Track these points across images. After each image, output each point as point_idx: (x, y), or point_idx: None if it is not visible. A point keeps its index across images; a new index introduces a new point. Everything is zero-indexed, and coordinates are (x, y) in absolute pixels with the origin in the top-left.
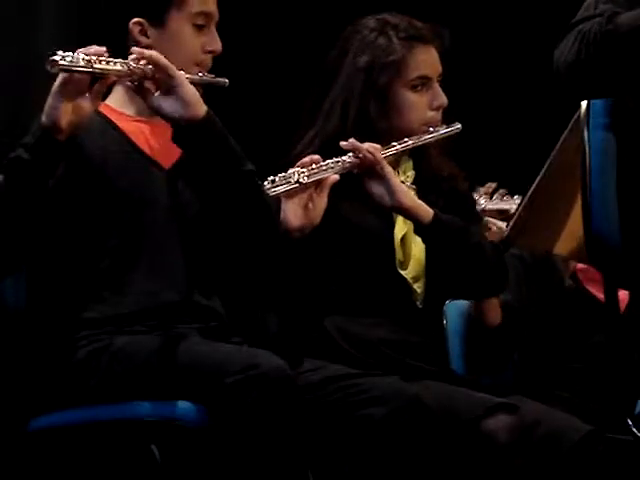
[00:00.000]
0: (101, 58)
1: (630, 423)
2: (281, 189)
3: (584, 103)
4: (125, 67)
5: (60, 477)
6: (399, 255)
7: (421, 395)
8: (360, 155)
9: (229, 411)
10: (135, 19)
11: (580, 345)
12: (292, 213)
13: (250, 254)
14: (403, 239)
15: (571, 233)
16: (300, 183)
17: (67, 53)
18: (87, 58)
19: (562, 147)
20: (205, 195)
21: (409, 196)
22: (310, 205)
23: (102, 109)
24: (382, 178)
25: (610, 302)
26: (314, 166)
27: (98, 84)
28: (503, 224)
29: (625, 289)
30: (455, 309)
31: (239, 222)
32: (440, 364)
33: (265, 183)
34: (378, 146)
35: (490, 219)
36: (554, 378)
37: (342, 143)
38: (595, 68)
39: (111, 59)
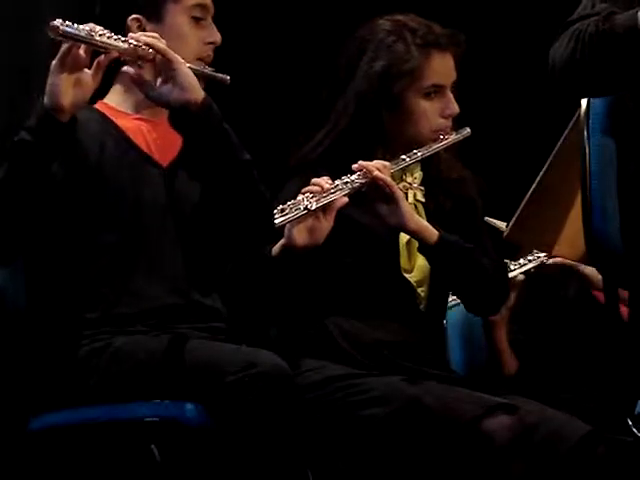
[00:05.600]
0: (102, 32)
1: (630, 423)
2: (290, 217)
3: (584, 103)
4: (126, 44)
5: (60, 477)
6: (404, 259)
7: (421, 395)
8: (370, 176)
9: (229, 410)
10: (133, 15)
11: (581, 347)
12: (297, 234)
13: (244, 244)
14: (408, 243)
15: (571, 233)
16: (309, 210)
17: (68, 22)
18: (88, 29)
19: (562, 147)
20: (202, 182)
21: (415, 219)
22: (317, 227)
23: (100, 106)
24: (391, 200)
25: (610, 302)
26: (324, 188)
27: (99, 60)
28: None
29: (625, 289)
30: (456, 314)
31: (235, 211)
32: (441, 366)
33: (275, 212)
34: (387, 164)
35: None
36: (554, 378)
37: (354, 166)
38: (590, 68)
39: (112, 35)
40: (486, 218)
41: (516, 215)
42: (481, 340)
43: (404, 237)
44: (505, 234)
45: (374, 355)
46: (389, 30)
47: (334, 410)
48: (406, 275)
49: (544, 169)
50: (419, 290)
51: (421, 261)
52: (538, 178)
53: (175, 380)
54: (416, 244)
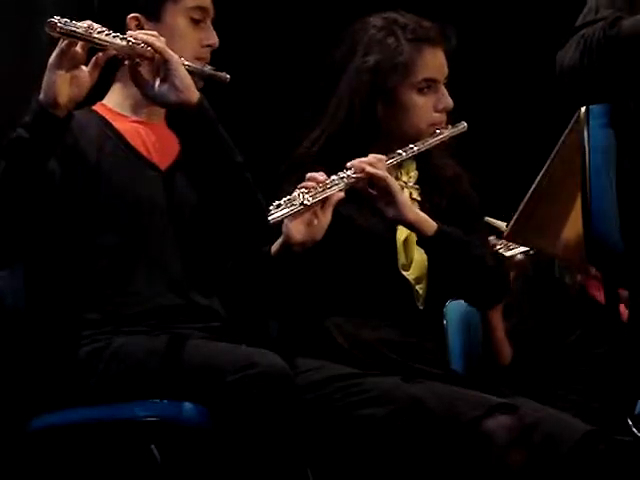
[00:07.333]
0: (100, 29)
1: (630, 423)
2: (286, 212)
3: None
4: (124, 42)
5: (60, 477)
6: (401, 257)
7: (421, 395)
8: (365, 172)
9: (229, 410)
10: (132, 14)
11: (581, 347)
12: (295, 229)
13: (239, 244)
14: (406, 241)
15: (571, 233)
16: (305, 205)
17: (67, 19)
18: (86, 26)
19: (562, 147)
20: (196, 183)
21: (413, 210)
22: (314, 222)
23: (98, 109)
24: (387, 193)
25: (610, 302)
26: (319, 185)
27: (97, 57)
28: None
29: (625, 289)
30: (455, 310)
31: (228, 212)
32: (440, 365)
33: (270, 207)
34: (383, 157)
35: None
36: (554, 378)
37: (349, 164)
38: (598, 73)
39: (111, 32)
40: (486, 218)
41: (516, 215)
42: (479, 335)
43: (402, 235)
44: (505, 234)
45: (374, 354)
46: (380, 26)
47: (334, 410)
48: (404, 273)
49: (544, 169)
50: (417, 287)
51: (419, 259)
52: (538, 178)
53: (175, 380)
54: (413, 242)
